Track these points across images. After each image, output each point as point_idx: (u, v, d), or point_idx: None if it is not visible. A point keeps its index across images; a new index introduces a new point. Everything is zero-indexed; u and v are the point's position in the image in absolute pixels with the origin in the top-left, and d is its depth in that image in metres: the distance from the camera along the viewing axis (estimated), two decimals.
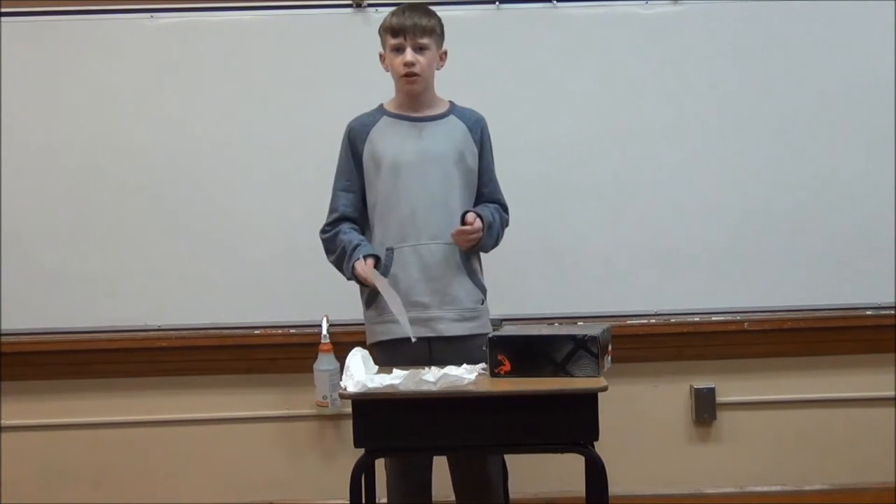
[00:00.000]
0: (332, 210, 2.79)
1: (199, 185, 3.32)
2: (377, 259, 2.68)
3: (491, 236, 2.75)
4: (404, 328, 2.58)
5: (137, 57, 3.30)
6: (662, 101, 3.32)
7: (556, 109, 3.32)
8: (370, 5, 3.28)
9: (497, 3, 3.31)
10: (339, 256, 2.73)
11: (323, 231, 2.79)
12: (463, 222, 2.68)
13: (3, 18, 3.28)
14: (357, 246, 2.69)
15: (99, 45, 3.30)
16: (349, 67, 3.27)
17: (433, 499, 2.82)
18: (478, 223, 2.67)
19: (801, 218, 3.33)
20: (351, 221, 2.77)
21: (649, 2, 3.32)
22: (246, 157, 3.32)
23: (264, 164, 3.31)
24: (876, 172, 3.32)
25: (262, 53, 3.31)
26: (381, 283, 2.60)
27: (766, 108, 3.33)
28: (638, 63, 3.32)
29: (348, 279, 2.73)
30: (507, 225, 2.86)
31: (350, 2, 3.30)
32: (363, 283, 2.69)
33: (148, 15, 3.30)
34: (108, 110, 3.31)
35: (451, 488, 2.83)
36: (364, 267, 2.64)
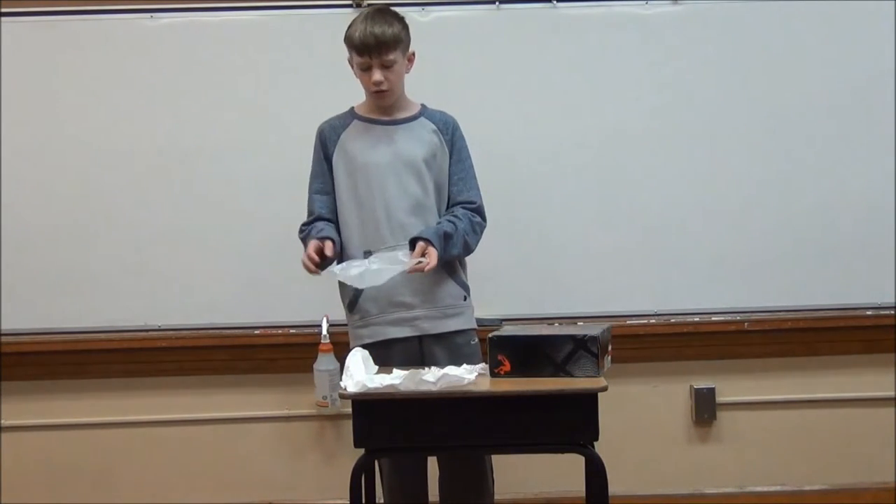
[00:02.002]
0: (308, 213, 2.81)
1: (198, 184, 3.32)
2: (333, 242, 2.68)
3: (455, 245, 2.70)
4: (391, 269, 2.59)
5: (137, 57, 3.30)
6: (662, 101, 3.32)
7: (556, 109, 3.31)
8: (370, 5, 3.28)
9: (497, 3, 3.31)
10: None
11: (300, 231, 2.81)
12: (413, 248, 2.64)
13: (3, 18, 3.28)
14: (320, 230, 2.70)
15: (99, 45, 3.30)
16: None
17: (429, 498, 2.82)
18: (431, 255, 2.61)
19: (801, 218, 3.33)
20: (326, 221, 2.78)
21: (649, 2, 3.32)
22: (246, 156, 3.32)
23: (265, 163, 3.31)
24: (876, 172, 3.32)
25: (262, 53, 3.31)
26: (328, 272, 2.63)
27: (766, 108, 3.33)
28: (638, 63, 3.32)
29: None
30: (480, 227, 2.80)
31: (350, 2, 3.30)
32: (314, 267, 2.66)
33: (148, 15, 3.30)
34: (107, 110, 3.31)
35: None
36: (309, 251, 2.64)
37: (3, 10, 3.28)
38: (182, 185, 3.32)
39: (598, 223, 3.33)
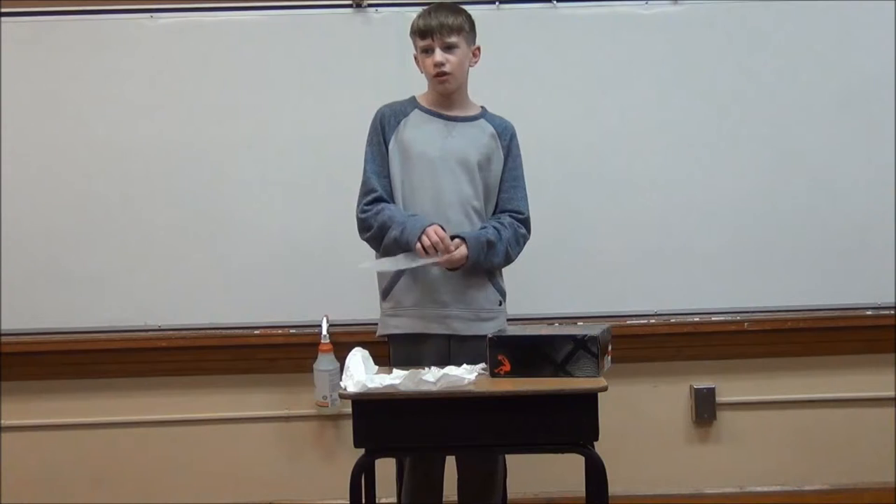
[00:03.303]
0: (368, 191, 2.73)
1: (198, 184, 3.32)
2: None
3: (497, 253, 2.71)
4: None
5: (137, 57, 3.30)
6: (662, 101, 3.32)
7: (555, 109, 3.32)
8: (370, 5, 3.28)
9: (497, 3, 3.31)
10: (383, 227, 2.66)
11: (362, 210, 2.73)
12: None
13: (3, 18, 3.28)
14: (413, 215, 2.66)
15: (99, 45, 3.30)
16: (349, 67, 3.27)
17: (444, 497, 2.82)
18: (461, 250, 2.63)
19: (801, 218, 3.34)
20: (388, 202, 2.73)
21: (649, 2, 3.32)
22: (245, 156, 3.32)
23: (264, 163, 3.31)
24: (876, 172, 3.32)
25: (262, 53, 3.31)
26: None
27: (765, 108, 3.33)
28: (638, 63, 3.32)
29: (402, 244, 2.63)
30: (524, 239, 2.81)
31: (350, 2, 3.30)
32: (425, 251, 2.60)
33: (148, 15, 3.30)
34: (107, 110, 3.31)
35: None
36: (441, 232, 2.60)
37: (3, 10, 3.28)
38: (182, 184, 3.32)
39: (597, 223, 3.33)
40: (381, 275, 2.76)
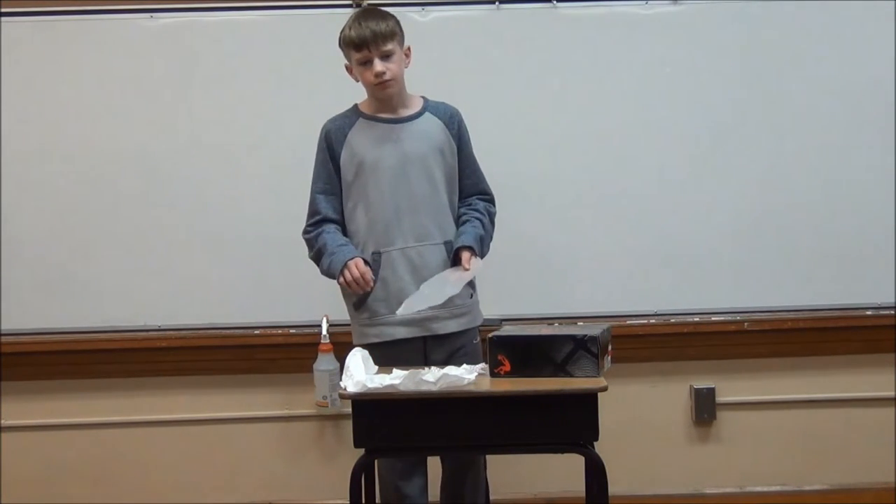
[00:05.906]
0: (312, 213, 2.78)
1: (198, 185, 3.32)
2: (365, 262, 2.69)
3: (486, 244, 2.76)
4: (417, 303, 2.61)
5: (137, 57, 3.30)
6: (662, 102, 3.32)
7: (556, 109, 3.32)
8: (371, 5, 3.28)
9: (497, 3, 3.31)
10: (319, 254, 2.73)
11: (306, 232, 2.79)
12: (456, 258, 2.69)
13: (3, 18, 3.28)
14: (343, 245, 2.70)
15: (99, 45, 3.30)
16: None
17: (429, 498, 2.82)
18: (474, 262, 2.68)
19: (801, 218, 3.33)
20: (333, 223, 2.77)
21: (649, 2, 3.32)
22: (245, 156, 3.32)
23: (263, 163, 3.31)
24: (876, 173, 3.32)
25: (262, 53, 3.31)
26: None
27: (766, 109, 3.33)
28: (638, 63, 3.32)
29: (329, 275, 2.72)
30: (495, 216, 2.85)
31: (350, 2, 3.30)
32: (347, 286, 2.67)
33: (148, 15, 3.30)
34: (107, 110, 3.31)
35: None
36: (362, 267, 2.64)
37: (3, 10, 3.28)
38: (181, 184, 3.32)
39: (597, 223, 3.33)
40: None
